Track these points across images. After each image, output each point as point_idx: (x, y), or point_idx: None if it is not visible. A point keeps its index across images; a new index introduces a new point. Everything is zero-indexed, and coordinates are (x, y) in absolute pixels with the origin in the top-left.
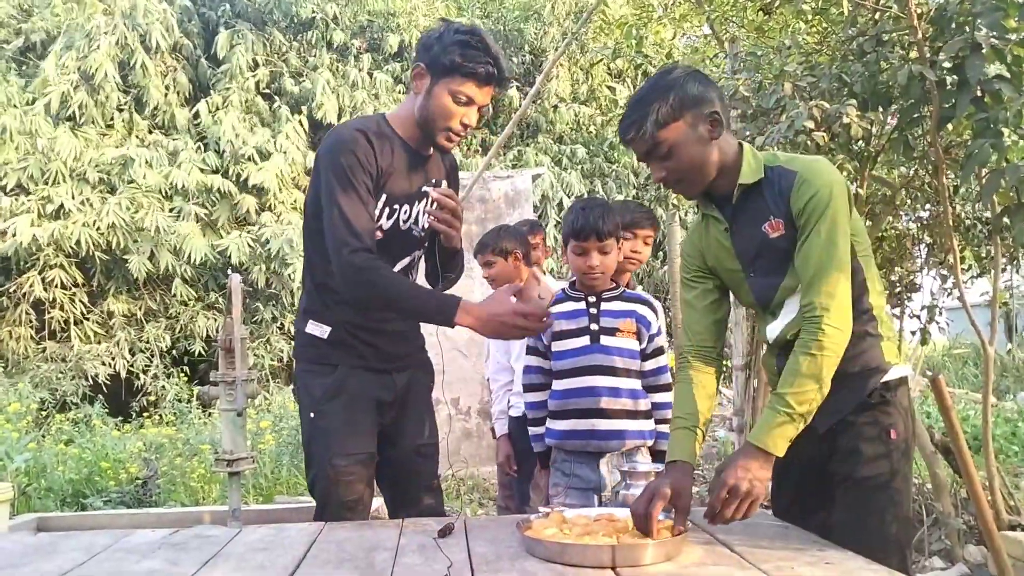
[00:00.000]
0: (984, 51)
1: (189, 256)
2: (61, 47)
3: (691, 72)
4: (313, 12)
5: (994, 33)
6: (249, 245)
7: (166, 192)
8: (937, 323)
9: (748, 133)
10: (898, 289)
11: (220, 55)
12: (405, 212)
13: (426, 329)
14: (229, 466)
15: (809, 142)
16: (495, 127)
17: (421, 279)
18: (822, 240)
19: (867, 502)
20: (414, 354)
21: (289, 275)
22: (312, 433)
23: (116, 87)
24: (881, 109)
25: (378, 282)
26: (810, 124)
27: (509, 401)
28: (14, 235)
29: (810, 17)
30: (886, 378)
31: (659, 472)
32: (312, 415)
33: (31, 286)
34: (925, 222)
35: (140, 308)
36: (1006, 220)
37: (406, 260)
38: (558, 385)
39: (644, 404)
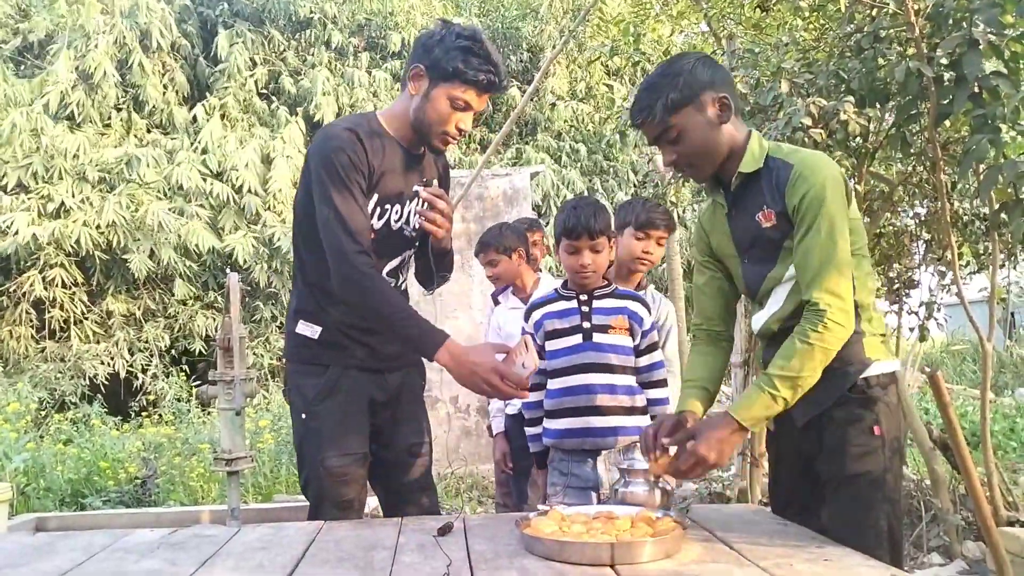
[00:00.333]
0: (981, 47)
1: (195, 251)
2: (61, 46)
3: (702, 58)
4: (311, 11)
5: (991, 29)
6: (253, 245)
7: (166, 192)
8: (935, 319)
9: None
10: (896, 286)
11: (219, 55)
12: (396, 212)
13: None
14: (228, 465)
15: (807, 139)
16: (493, 125)
17: (413, 280)
18: (822, 238)
19: (856, 499)
20: (407, 354)
21: (290, 273)
22: (305, 434)
23: (115, 86)
24: (879, 106)
25: (371, 291)
26: (807, 121)
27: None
28: (15, 233)
29: (807, 14)
30: (867, 374)
31: None
32: (304, 416)
33: (31, 285)
34: (923, 218)
35: (139, 307)
36: (1004, 216)
37: (396, 260)
38: (553, 384)
39: (640, 400)
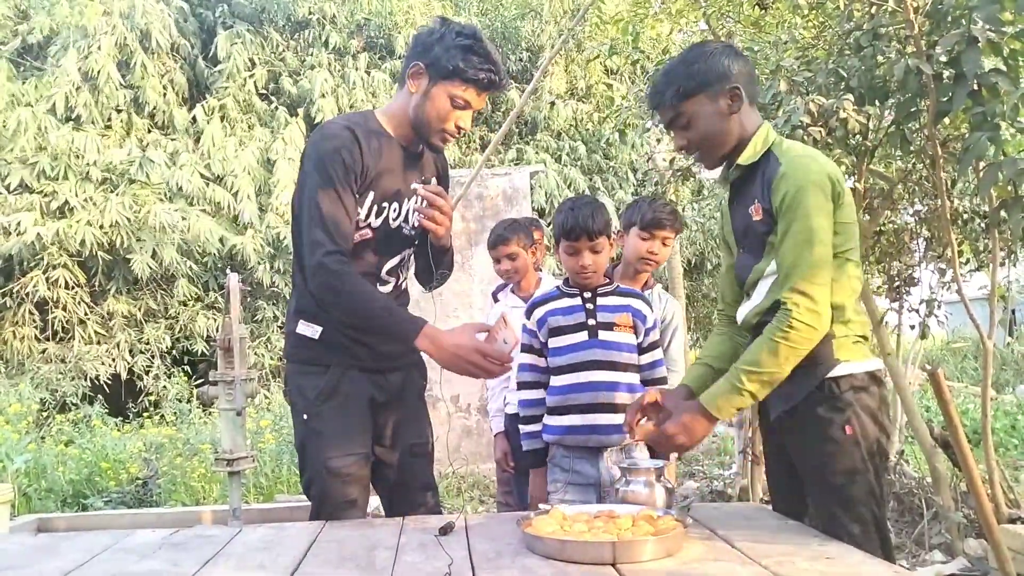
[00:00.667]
0: (980, 45)
1: (197, 251)
2: (62, 47)
3: (722, 48)
4: (310, 11)
5: (990, 27)
6: (257, 247)
7: (167, 195)
8: (936, 317)
9: None
10: (897, 283)
11: (218, 55)
12: (395, 210)
13: None
14: (229, 465)
15: (806, 137)
16: (493, 124)
17: (414, 280)
18: (797, 239)
19: (832, 495)
20: (408, 354)
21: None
22: (306, 435)
23: (116, 87)
24: (878, 103)
25: (344, 290)
26: (807, 119)
27: (505, 398)
28: (20, 233)
29: (806, 12)
30: (835, 374)
31: (660, 468)
32: (306, 416)
33: (35, 286)
34: (923, 216)
35: (140, 308)
36: (1003, 213)
37: (396, 259)
38: (557, 381)
39: None
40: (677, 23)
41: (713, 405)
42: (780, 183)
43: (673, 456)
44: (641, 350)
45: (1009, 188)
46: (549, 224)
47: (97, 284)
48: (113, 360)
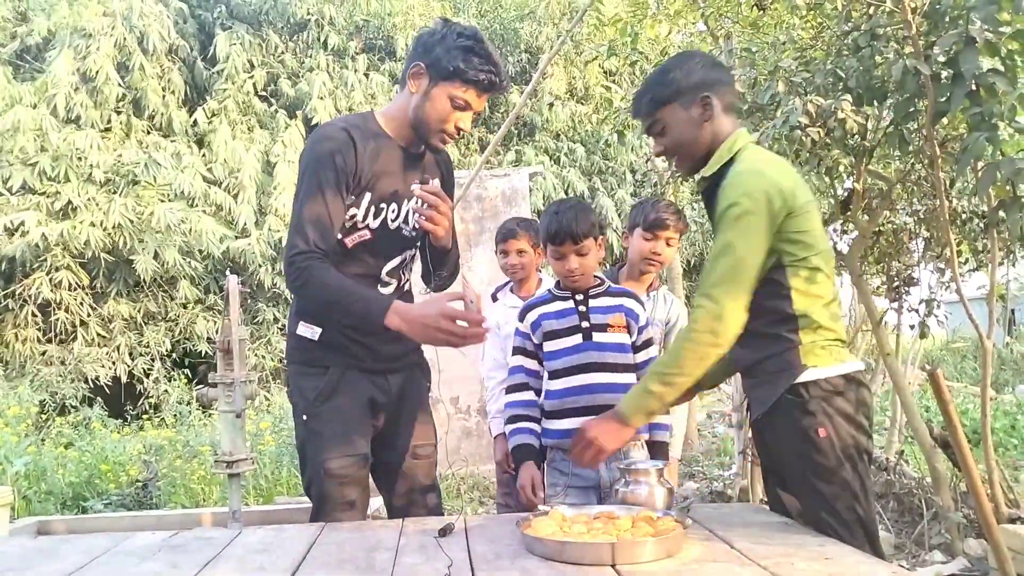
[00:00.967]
0: (978, 45)
1: (199, 252)
2: (60, 48)
3: (700, 57)
4: (309, 13)
5: (988, 27)
6: (261, 251)
7: (170, 196)
8: (935, 317)
9: (744, 129)
10: (896, 283)
11: (216, 56)
12: (393, 211)
13: None
14: (229, 467)
15: (804, 138)
16: (492, 125)
17: (417, 279)
18: (717, 250)
19: (811, 495)
20: (410, 355)
21: None
22: (306, 436)
23: (115, 88)
24: (876, 104)
25: (310, 282)
26: (805, 120)
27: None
28: (24, 233)
29: (804, 12)
30: (803, 379)
31: (659, 469)
32: (305, 417)
33: (38, 288)
34: (922, 216)
35: (140, 311)
36: (1002, 213)
37: (396, 260)
38: (553, 385)
39: None
40: (675, 24)
41: (625, 408)
42: (721, 197)
43: (675, 456)
44: (635, 349)
45: (1007, 188)
46: None
47: (99, 286)
48: (113, 363)
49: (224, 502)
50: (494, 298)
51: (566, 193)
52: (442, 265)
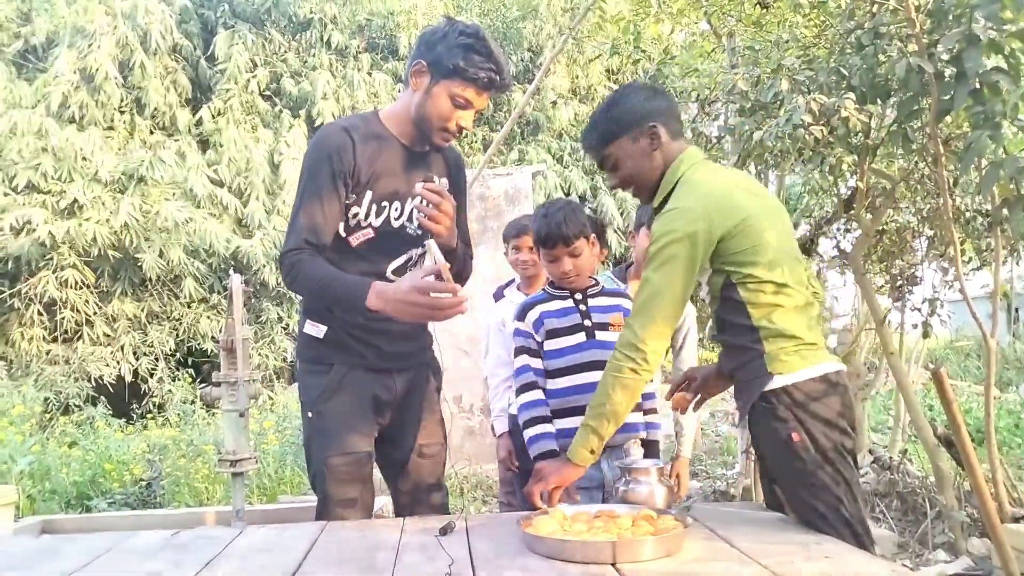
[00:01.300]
0: (982, 43)
1: (209, 249)
2: (63, 47)
3: (640, 89)
4: (312, 12)
5: (991, 25)
6: (265, 251)
7: (176, 195)
8: (938, 316)
9: (747, 127)
10: (899, 282)
11: (219, 55)
12: (396, 210)
13: (429, 327)
14: (232, 467)
15: (807, 136)
16: (495, 124)
17: None
18: (641, 284)
19: (797, 499)
20: (417, 354)
21: None
22: (311, 432)
23: (117, 87)
24: (880, 102)
25: (298, 276)
26: (808, 118)
27: (510, 398)
28: (29, 231)
29: (808, 11)
30: (773, 387)
31: (661, 468)
32: (310, 415)
33: (44, 286)
34: (925, 215)
35: (144, 310)
36: (1005, 212)
37: (401, 259)
38: (555, 384)
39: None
40: (678, 23)
41: (570, 451)
42: (655, 227)
43: (685, 456)
44: None
45: (1011, 186)
46: None
47: (103, 285)
48: (118, 362)
49: (228, 501)
50: (499, 296)
51: (568, 192)
52: (449, 263)
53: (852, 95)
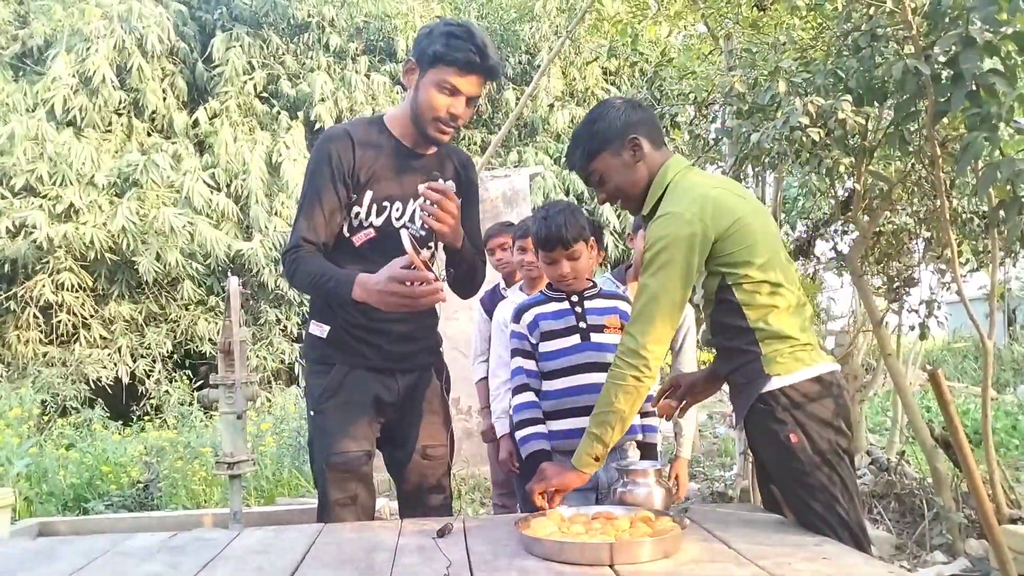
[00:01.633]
0: (978, 45)
1: (206, 252)
2: (60, 51)
3: (618, 103)
4: (309, 14)
5: (988, 27)
6: (265, 253)
7: (173, 200)
8: (936, 317)
9: (744, 129)
10: (896, 284)
11: (217, 58)
12: (398, 210)
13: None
14: (230, 468)
15: (805, 138)
16: (493, 127)
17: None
18: (638, 290)
19: (794, 499)
20: (420, 355)
21: None
22: (312, 431)
23: (114, 91)
24: (876, 104)
25: (296, 273)
26: (805, 120)
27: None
28: (27, 234)
29: (805, 13)
30: (770, 388)
31: (659, 470)
32: (312, 414)
33: (40, 289)
34: (922, 216)
35: (141, 312)
36: (1002, 213)
37: (405, 258)
38: (550, 385)
39: None
40: (676, 25)
41: (575, 458)
42: (648, 234)
43: (684, 457)
44: None
45: (1007, 188)
46: None
47: (100, 288)
48: (115, 364)
49: (225, 503)
50: (484, 301)
51: (566, 194)
52: (455, 264)
53: (849, 97)
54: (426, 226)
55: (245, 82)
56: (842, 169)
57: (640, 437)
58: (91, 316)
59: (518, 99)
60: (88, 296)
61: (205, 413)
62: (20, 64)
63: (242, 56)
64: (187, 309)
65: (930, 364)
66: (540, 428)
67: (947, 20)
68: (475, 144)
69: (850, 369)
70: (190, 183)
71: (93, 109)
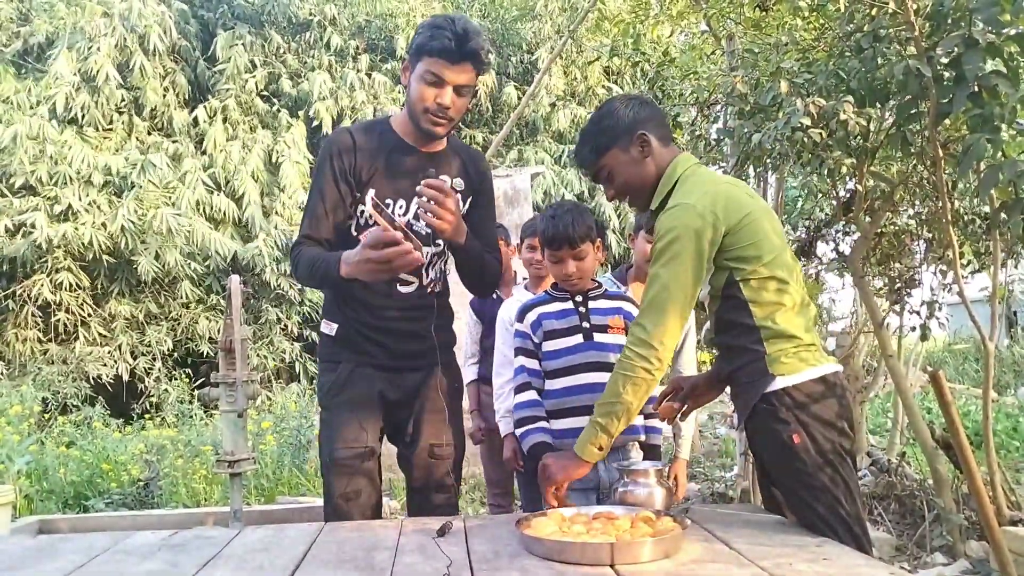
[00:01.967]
0: (980, 47)
1: (205, 255)
2: (62, 49)
3: (626, 99)
4: (311, 13)
5: (990, 28)
6: (268, 249)
7: (171, 200)
8: (937, 319)
9: (746, 130)
10: (898, 285)
11: (218, 56)
12: (400, 207)
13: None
14: (230, 467)
15: (806, 139)
16: (494, 126)
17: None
18: (648, 282)
19: (795, 500)
20: (428, 354)
21: None
22: (321, 427)
23: (116, 89)
24: (878, 105)
25: (298, 265)
26: (807, 121)
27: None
28: (27, 234)
29: (807, 13)
30: (774, 388)
31: (659, 470)
32: (320, 410)
33: (39, 288)
34: (924, 218)
35: (141, 311)
36: (1004, 215)
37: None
38: (553, 384)
39: None
40: (678, 25)
41: (577, 447)
42: (657, 228)
43: (683, 458)
44: None
45: (1009, 190)
46: None
47: (100, 287)
48: (115, 362)
49: (226, 502)
50: (475, 304)
51: (574, 193)
52: (460, 260)
53: (851, 98)
54: (429, 224)
55: (246, 80)
56: (844, 170)
57: (643, 438)
58: (89, 315)
59: (519, 98)
60: (87, 295)
61: (205, 411)
62: (22, 62)
63: (244, 54)
64: (187, 308)
65: (931, 365)
66: (542, 424)
67: (949, 21)
68: (477, 143)
69: (851, 370)
70: (190, 182)
71: (95, 107)
